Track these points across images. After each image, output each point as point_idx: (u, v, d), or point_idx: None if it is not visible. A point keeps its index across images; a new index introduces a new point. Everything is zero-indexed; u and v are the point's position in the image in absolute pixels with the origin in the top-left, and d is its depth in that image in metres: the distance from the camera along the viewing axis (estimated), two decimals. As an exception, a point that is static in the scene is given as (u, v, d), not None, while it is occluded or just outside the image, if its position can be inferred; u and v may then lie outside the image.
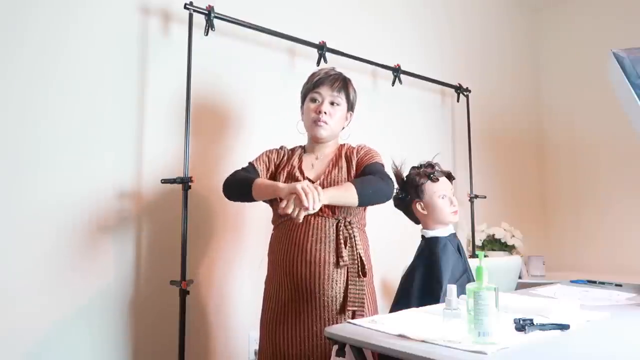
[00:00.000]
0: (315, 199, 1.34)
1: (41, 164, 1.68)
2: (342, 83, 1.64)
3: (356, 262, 1.52)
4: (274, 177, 1.64)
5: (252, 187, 1.52)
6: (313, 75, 1.66)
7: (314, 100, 1.62)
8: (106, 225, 1.79)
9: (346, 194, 1.46)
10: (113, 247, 1.80)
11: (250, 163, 1.66)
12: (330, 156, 1.65)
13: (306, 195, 1.33)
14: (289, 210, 1.36)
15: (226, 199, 1.62)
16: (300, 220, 1.38)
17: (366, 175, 1.54)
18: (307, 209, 1.33)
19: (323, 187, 1.52)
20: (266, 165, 1.66)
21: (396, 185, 1.73)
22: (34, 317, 1.62)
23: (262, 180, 1.55)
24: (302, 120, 1.69)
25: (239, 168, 1.65)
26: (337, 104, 1.63)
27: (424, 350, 0.89)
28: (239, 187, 1.57)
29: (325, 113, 1.59)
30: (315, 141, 1.66)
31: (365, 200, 1.50)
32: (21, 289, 1.61)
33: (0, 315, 1.57)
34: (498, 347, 0.90)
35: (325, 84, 1.61)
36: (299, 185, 1.36)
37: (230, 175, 1.62)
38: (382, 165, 1.62)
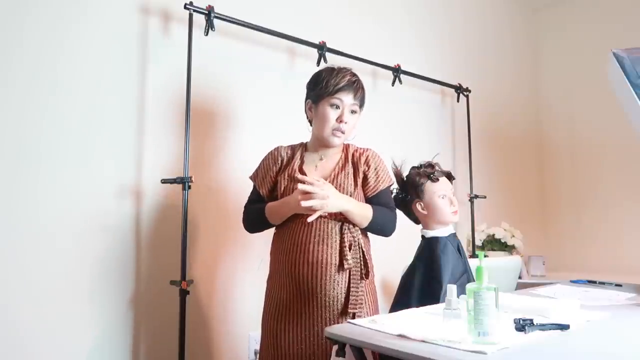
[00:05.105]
0: (324, 196, 1.43)
1: (41, 164, 1.68)
2: (363, 93, 1.61)
3: (359, 264, 1.52)
4: (276, 183, 1.62)
5: (268, 217, 1.58)
6: (331, 75, 1.57)
7: (334, 106, 1.56)
8: (106, 225, 1.79)
9: (362, 214, 1.52)
10: (113, 247, 1.80)
11: (253, 187, 1.67)
12: (336, 158, 1.61)
13: (310, 194, 1.42)
14: (310, 204, 1.43)
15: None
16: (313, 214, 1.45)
17: (380, 204, 1.58)
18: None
19: None
20: (267, 181, 1.63)
21: (396, 186, 1.73)
22: (33, 317, 1.62)
23: (271, 204, 1.58)
24: (311, 118, 1.63)
25: (246, 199, 1.70)
26: (355, 112, 1.61)
27: (424, 350, 0.90)
28: (257, 222, 1.63)
29: (346, 123, 1.56)
30: (326, 146, 1.61)
31: (369, 229, 1.57)
32: (20, 289, 1.61)
33: (0, 315, 1.56)
34: (498, 347, 0.90)
35: (348, 92, 1.56)
36: (300, 187, 1.44)
37: (243, 213, 1.68)
38: (392, 185, 1.65)
